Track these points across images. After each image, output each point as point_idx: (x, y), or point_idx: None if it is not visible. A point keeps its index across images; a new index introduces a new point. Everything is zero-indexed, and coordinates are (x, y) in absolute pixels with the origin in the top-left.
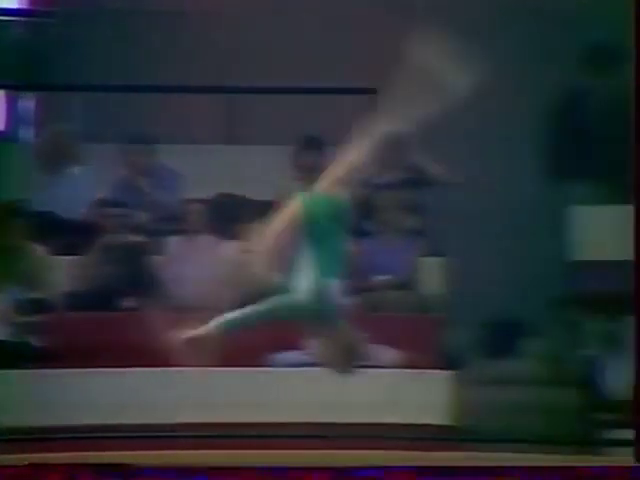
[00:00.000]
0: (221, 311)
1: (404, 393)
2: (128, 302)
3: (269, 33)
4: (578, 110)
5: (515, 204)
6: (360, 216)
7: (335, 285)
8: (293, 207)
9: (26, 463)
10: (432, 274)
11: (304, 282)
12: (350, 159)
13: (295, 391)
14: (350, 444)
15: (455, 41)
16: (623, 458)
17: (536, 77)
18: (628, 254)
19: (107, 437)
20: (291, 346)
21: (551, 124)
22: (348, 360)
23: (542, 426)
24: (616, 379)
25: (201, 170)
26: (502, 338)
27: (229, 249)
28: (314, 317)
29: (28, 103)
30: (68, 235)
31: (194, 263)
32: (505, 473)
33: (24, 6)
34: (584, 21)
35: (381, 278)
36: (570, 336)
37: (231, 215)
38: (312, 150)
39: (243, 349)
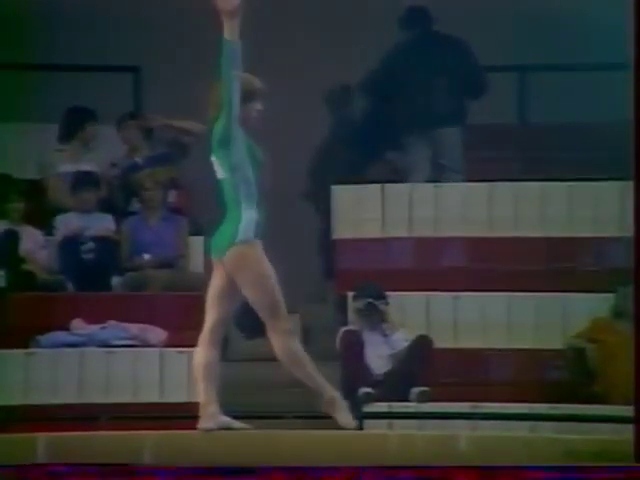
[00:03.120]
0: None
1: (170, 372)
2: None
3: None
4: None
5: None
6: (124, 195)
7: None
8: None
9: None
10: (198, 253)
11: None
12: None
13: (63, 372)
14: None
15: None
16: (623, 457)
17: None
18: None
19: None
20: (57, 326)
21: None
22: None
23: (302, 401)
24: (374, 353)
25: None
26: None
27: None
28: None
29: None
30: None
31: None
32: None
33: None
34: None
35: (146, 257)
36: (331, 312)
37: None
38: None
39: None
